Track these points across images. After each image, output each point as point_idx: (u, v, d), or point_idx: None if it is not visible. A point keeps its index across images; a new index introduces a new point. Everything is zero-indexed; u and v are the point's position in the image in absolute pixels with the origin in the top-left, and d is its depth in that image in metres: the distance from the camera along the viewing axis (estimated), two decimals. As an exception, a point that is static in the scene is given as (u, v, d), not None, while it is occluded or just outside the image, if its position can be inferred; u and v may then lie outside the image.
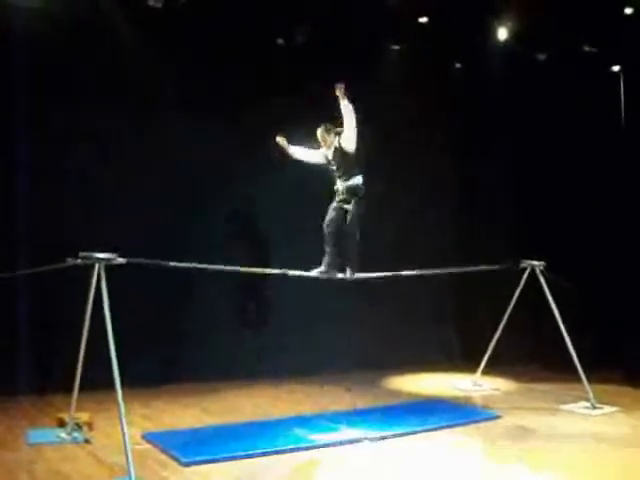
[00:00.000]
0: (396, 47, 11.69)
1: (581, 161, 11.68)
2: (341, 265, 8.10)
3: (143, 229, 9.61)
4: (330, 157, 8.09)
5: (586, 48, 11.34)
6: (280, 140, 8.22)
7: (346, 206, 8.02)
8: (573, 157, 11.75)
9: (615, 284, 11.31)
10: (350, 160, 8.00)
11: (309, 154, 8.29)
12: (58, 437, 7.20)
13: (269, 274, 8.91)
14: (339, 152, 7.99)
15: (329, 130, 8.05)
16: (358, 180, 8.03)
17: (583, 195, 11.72)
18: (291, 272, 8.13)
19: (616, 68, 11.84)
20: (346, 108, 7.77)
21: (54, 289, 8.83)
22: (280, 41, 10.99)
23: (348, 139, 7.88)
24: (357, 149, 7.95)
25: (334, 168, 8.11)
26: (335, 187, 8.12)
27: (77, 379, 7.17)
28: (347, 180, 8.02)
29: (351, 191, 8.00)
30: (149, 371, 9.39)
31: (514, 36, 11.14)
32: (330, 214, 8.09)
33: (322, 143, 8.14)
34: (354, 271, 8.07)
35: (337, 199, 8.11)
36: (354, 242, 8.04)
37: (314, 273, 8.04)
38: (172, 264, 7.18)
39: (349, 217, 8.00)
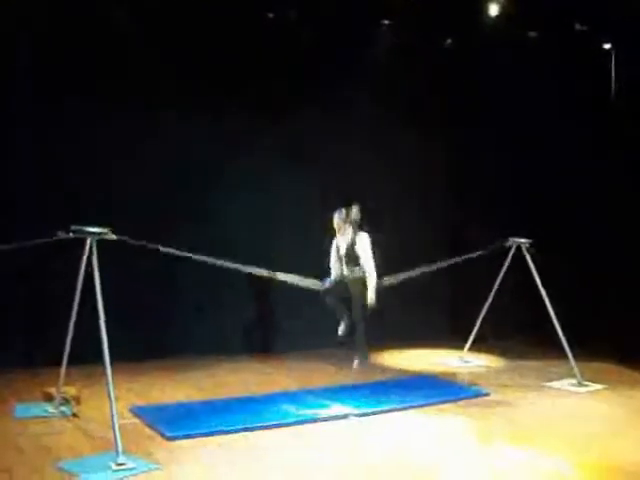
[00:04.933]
0: (386, 22, 11.59)
1: (572, 140, 11.70)
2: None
3: (130, 204, 9.59)
4: (342, 250, 8.16)
5: (577, 26, 11.31)
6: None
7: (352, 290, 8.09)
8: (564, 137, 11.78)
9: (604, 262, 11.33)
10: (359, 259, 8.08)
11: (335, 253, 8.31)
12: (46, 411, 7.23)
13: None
14: (352, 249, 8.08)
15: (346, 220, 8.13)
16: (364, 273, 8.06)
17: (574, 174, 11.69)
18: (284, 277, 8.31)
19: (607, 46, 11.79)
20: (361, 240, 8.06)
21: (41, 263, 8.81)
22: (270, 15, 10.88)
23: (367, 261, 8.03)
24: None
25: (342, 256, 8.17)
26: (340, 271, 8.19)
27: (65, 353, 7.17)
28: (354, 271, 8.08)
29: (357, 281, 8.05)
30: (136, 346, 9.39)
31: (505, 13, 11.07)
32: (330, 288, 8.15)
33: (337, 230, 8.20)
34: (363, 360, 8.21)
35: (339, 278, 8.18)
36: (362, 331, 8.10)
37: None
38: (163, 249, 7.17)
39: (355, 303, 8.06)
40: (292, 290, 8.58)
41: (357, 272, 8.09)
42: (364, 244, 8.12)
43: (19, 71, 9.28)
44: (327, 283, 8.19)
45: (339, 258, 8.23)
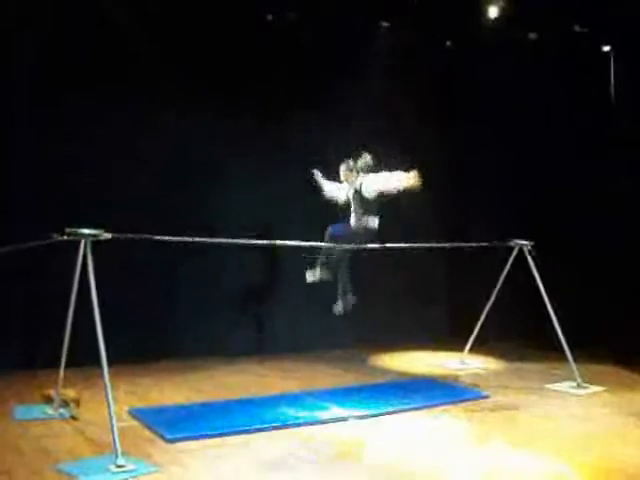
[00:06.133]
0: (386, 24, 11.57)
1: (571, 142, 11.71)
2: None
3: (128, 205, 9.54)
4: (350, 196, 7.91)
5: (577, 28, 11.31)
6: (316, 174, 8.20)
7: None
8: (564, 139, 11.78)
9: (603, 262, 11.32)
10: (370, 204, 7.79)
11: (337, 190, 8.12)
12: (45, 413, 7.22)
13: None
14: (359, 195, 7.77)
15: (352, 169, 7.86)
16: (374, 223, 7.88)
17: (574, 174, 11.68)
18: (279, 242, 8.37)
19: (606, 48, 11.80)
20: (368, 180, 7.73)
21: (40, 264, 8.80)
22: (269, 17, 10.87)
23: (377, 185, 7.69)
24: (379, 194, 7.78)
25: (351, 208, 7.92)
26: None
27: (64, 355, 7.16)
28: (362, 220, 7.81)
29: (367, 232, 7.88)
30: (136, 348, 9.37)
31: (505, 15, 11.06)
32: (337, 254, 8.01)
33: (344, 180, 7.96)
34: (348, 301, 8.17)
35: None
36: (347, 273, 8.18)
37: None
38: (157, 238, 7.12)
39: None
40: (292, 292, 8.57)
41: (365, 222, 7.84)
42: (374, 180, 7.70)
43: (19, 71, 9.26)
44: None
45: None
